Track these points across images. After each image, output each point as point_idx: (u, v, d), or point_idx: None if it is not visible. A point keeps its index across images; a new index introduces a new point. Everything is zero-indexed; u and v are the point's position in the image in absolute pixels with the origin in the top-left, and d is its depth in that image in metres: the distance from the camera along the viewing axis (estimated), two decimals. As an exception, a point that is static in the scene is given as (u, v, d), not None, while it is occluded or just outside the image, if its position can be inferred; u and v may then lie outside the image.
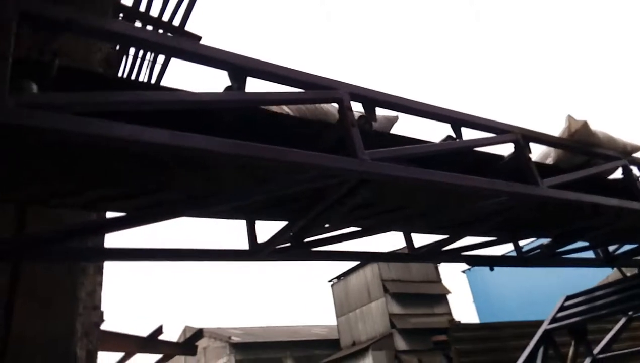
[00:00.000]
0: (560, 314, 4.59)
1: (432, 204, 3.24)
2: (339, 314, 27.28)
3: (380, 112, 2.71)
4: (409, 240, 3.90)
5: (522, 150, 3.21)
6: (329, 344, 26.71)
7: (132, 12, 4.97)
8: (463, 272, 24.53)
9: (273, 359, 24.83)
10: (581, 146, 3.75)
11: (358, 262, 24.00)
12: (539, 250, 4.59)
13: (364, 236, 3.20)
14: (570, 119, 3.86)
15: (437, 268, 26.48)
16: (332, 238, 3.20)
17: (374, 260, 3.50)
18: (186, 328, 27.52)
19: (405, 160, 2.59)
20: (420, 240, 3.95)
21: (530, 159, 3.18)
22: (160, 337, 12.11)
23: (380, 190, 3.07)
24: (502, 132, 3.21)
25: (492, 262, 4.28)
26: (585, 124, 3.79)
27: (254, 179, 2.42)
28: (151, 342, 12.13)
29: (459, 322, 6.32)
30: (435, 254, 3.81)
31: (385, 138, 2.66)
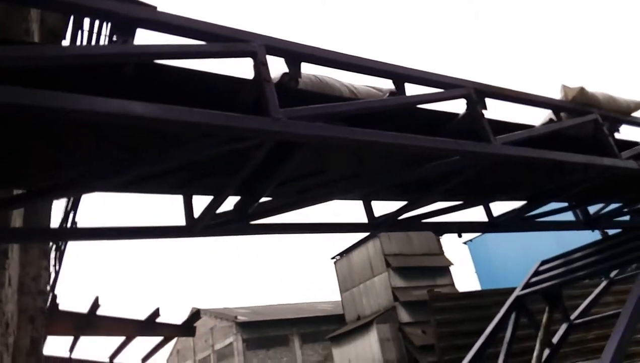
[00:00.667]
0: (534, 279, 4.42)
1: (380, 168, 3.06)
2: (342, 290, 27.40)
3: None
4: (368, 208, 3.74)
5: (474, 105, 3.00)
6: (334, 319, 26.92)
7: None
8: (465, 243, 24.40)
9: (279, 336, 25.11)
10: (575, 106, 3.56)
11: (361, 238, 24.03)
12: (512, 215, 4.41)
13: (307, 205, 3.02)
14: (565, 88, 3.68)
15: (439, 240, 26.41)
16: (277, 210, 3.03)
17: (324, 231, 3.31)
18: (193, 310, 27.85)
19: (337, 119, 2.40)
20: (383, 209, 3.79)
21: (483, 115, 2.97)
22: (160, 320, 12.12)
23: (321, 156, 2.90)
24: (452, 87, 3.00)
25: (459, 228, 4.11)
26: (581, 90, 3.63)
27: (170, 143, 2.24)
28: (149, 325, 12.16)
29: (439, 292, 6.18)
30: (393, 222, 3.63)
31: (314, 96, 2.46)
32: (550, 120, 3.60)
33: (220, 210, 2.78)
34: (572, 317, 4.46)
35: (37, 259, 3.36)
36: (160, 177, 2.54)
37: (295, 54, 2.34)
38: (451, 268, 25.66)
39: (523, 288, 4.37)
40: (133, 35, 1.88)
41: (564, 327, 4.34)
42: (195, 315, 12.09)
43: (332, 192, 3.02)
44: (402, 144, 2.52)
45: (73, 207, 4.68)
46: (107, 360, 11.18)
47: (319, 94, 2.50)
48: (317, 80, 2.67)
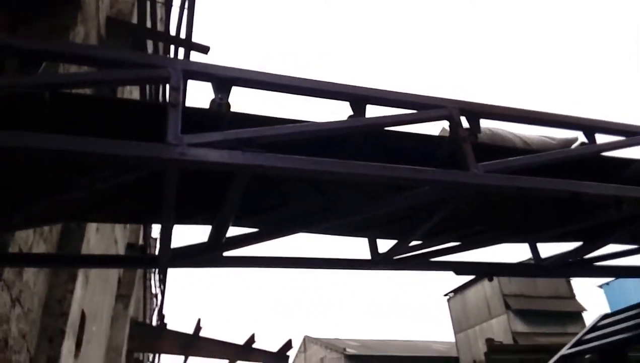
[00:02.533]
0: (589, 336, 3.57)
1: (348, 200, 2.82)
2: (457, 330, 25.65)
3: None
4: (372, 243, 3.46)
5: (455, 128, 2.62)
6: (447, 361, 25.23)
7: (139, 30, 5.27)
8: (600, 286, 21.22)
9: (388, 374, 24.20)
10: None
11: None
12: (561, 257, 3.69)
13: (276, 237, 2.89)
14: None
15: (569, 282, 23.52)
16: (249, 241, 2.96)
17: (316, 266, 3.14)
18: (305, 338, 28.32)
19: (261, 147, 2.28)
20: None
21: (463, 138, 2.57)
22: (257, 346, 12.58)
23: (279, 188, 2.79)
24: (430, 107, 2.66)
25: (485, 271, 3.56)
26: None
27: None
28: (246, 350, 12.71)
29: (500, 342, 5.22)
30: (393, 261, 3.29)
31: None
32: (582, 143, 2.99)
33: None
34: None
35: (64, 283, 3.71)
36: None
37: (221, 78, 2.30)
38: (584, 314, 22.43)
39: (573, 346, 3.56)
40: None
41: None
42: (288, 344, 12.29)
43: (298, 226, 2.85)
44: (352, 173, 2.29)
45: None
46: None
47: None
48: (490, 133, 2.97)
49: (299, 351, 27.81)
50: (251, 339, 11.74)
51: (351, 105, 2.53)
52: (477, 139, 2.73)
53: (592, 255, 4.09)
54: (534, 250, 3.80)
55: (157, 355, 15.01)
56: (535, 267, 3.74)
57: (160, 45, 6.15)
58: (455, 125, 2.62)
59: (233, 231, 2.98)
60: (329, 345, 25.10)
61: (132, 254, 2.84)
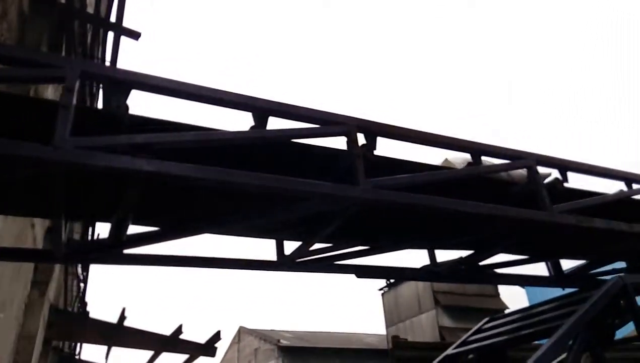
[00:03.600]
0: (473, 337, 3.94)
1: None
2: (388, 324, 26.51)
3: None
4: (279, 246, 3.61)
5: (351, 144, 2.81)
6: (379, 354, 26.04)
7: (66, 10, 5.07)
8: (522, 287, 22.68)
9: (321, 365, 24.65)
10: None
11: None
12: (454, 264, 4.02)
13: (179, 237, 2.98)
14: None
15: (494, 281, 24.78)
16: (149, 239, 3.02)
17: (216, 266, 3.23)
18: (240, 329, 28.29)
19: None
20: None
21: (357, 154, 2.77)
22: (185, 337, 12.35)
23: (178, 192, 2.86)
24: (330, 123, 2.83)
25: (389, 274, 3.81)
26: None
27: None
28: (172, 341, 12.50)
29: (405, 339, 5.63)
30: (295, 263, 3.47)
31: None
32: (469, 163, 3.27)
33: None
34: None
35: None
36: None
37: (118, 81, 2.34)
38: (506, 312, 23.84)
39: (458, 347, 3.90)
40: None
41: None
42: (217, 335, 12.23)
43: (202, 226, 2.95)
44: (247, 183, 2.41)
45: None
46: (141, 372, 11.57)
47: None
48: None
49: (232, 342, 27.76)
50: (178, 330, 11.59)
51: (254, 117, 2.66)
52: (373, 155, 2.94)
53: (486, 262, 4.48)
54: (432, 256, 4.11)
55: (78, 345, 14.48)
56: (431, 272, 4.05)
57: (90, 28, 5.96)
58: (351, 141, 2.81)
59: (138, 229, 3.05)
60: (263, 336, 25.22)
61: (25, 247, 2.81)
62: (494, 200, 3.27)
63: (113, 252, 2.96)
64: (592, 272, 4.61)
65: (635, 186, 3.95)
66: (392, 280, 26.30)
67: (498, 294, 24.62)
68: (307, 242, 3.29)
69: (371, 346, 27.49)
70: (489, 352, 3.81)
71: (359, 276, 3.80)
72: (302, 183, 2.53)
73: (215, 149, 2.54)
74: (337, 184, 2.63)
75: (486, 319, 4.28)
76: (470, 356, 3.99)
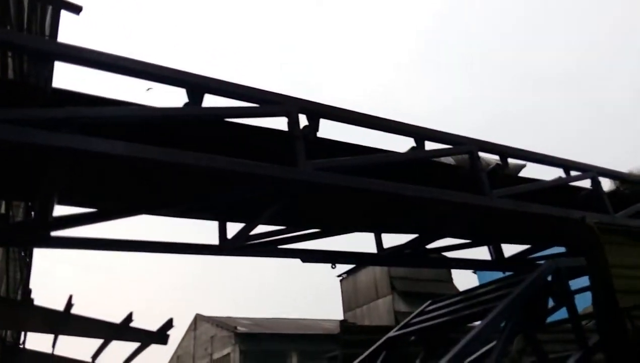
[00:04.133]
0: (415, 320, 4.01)
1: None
2: (346, 310, 26.86)
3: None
4: (222, 229, 3.51)
5: (292, 125, 2.74)
6: (335, 339, 26.25)
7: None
8: (474, 272, 23.48)
9: (278, 351, 24.75)
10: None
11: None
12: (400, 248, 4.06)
13: (110, 219, 2.83)
14: None
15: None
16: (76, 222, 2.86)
17: (155, 250, 3.09)
18: (197, 316, 27.94)
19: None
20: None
21: (298, 136, 2.70)
22: (135, 325, 12.02)
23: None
24: (270, 103, 2.74)
25: (331, 258, 3.79)
26: None
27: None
28: (122, 329, 12.13)
29: (353, 323, 5.70)
30: (238, 247, 3.39)
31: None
32: (412, 148, 3.28)
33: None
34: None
35: None
36: None
37: (38, 51, 2.17)
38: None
39: (400, 329, 3.97)
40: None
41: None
42: (169, 323, 11.97)
43: (138, 208, 2.82)
44: (177, 162, 2.30)
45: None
46: (90, 360, 11.25)
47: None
48: None
49: (189, 329, 27.41)
50: (128, 318, 11.26)
51: (187, 93, 2.53)
52: (315, 137, 2.89)
53: (431, 246, 4.55)
54: (378, 241, 4.12)
55: (23, 334, 13.83)
56: (377, 257, 4.07)
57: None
58: (292, 122, 2.74)
59: (66, 211, 2.88)
60: (219, 323, 25.01)
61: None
62: (438, 184, 3.30)
63: (39, 234, 2.78)
64: (532, 256, 4.76)
65: (572, 173, 4.09)
66: (352, 267, 26.62)
67: (451, 279, 25.36)
68: (249, 225, 3.21)
69: (328, 331, 27.76)
70: (430, 334, 3.88)
71: (304, 260, 3.77)
72: (238, 164, 2.44)
73: (148, 126, 2.42)
74: (276, 166, 2.56)
75: (429, 302, 4.35)
76: (412, 338, 4.05)
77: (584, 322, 3.79)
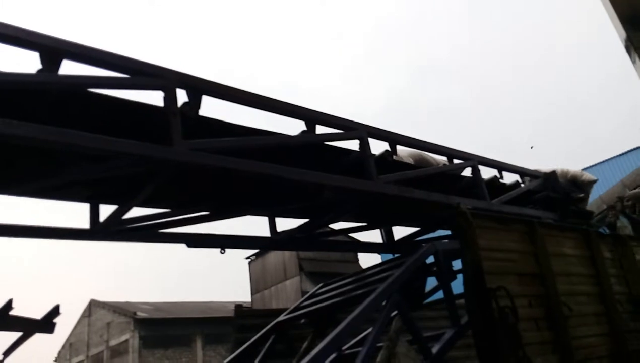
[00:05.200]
0: (305, 302, 4.05)
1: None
2: (254, 291, 26.83)
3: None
4: (94, 212, 3.20)
5: (169, 100, 2.53)
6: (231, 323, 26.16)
7: None
8: (381, 253, 24.56)
9: (181, 336, 24.05)
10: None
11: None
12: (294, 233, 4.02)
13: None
14: None
15: (354, 247, 26.40)
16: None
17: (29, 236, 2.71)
18: (91, 302, 26.25)
19: None
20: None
21: (173, 112, 2.50)
22: (15, 313, 10.95)
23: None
24: (146, 75, 2.51)
25: (222, 244, 3.64)
26: None
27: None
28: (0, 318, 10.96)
29: (249, 307, 5.68)
30: (113, 232, 3.12)
31: None
32: (302, 131, 3.22)
33: None
34: (346, 346, 4.12)
35: None
36: None
37: None
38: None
39: (290, 312, 3.98)
40: None
41: (332, 357, 3.98)
42: (55, 310, 11.05)
43: None
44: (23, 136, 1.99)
45: None
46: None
47: None
48: None
49: (82, 316, 25.69)
50: (7, 305, 10.27)
51: (41, 58, 2.22)
52: (197, 115, 2.70)
53: (325, 230, 4.58)
54: (272, 224, 4.04)
55: None
56: (268, 241, 3.99)
57: None
58: (169, 97, 2.53)
59: None
60: (117, 309, 23.72)
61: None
62: (329, 168, 3.28)
63: None
64: (419, 238, 5.00)
65: (455, 161, 4.31)
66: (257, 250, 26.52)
67: (357, 260, 26.35)
68: (123, 207, 2.95)
69: (232, 314, 27.55)
70: (320, 316, 3.92)
71: (190, 245, 3.58)
72: (104, 141, 2.20)
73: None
74: (147, 144, 2.35)
75: (320, 285, 4.39)
76: (303, 320, 4.06)
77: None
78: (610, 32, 2.88)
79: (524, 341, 2.93)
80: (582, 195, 5.47)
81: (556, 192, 5.19)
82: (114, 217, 3.03)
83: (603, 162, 21.63)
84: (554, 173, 5.31)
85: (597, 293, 3.84)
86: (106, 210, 3.20)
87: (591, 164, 21.61)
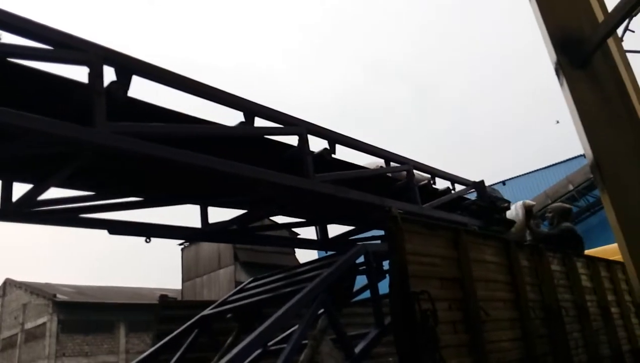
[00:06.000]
0: (233, 297, 3.99)
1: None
2: (185, 279, 26.22)
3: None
4: (6, 190, 2.93)
5: (93, 78, 2.35)
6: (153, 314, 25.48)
7: None
8: (316, 249, 24.77)
9: (103, 321, 23.04)
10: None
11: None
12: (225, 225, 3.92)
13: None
14: None
15: (290, 240, 26.47)
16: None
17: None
18: (7, 281, 24.50)
19: None
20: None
21: (99, 92, 2.33)
22: None
23: None
24: (70, 48, 2.31)
25: (148, 232, 3.48)
26: None
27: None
28: None
29: (174, 298, 5.59)
30: (28, 213, 2.89)
31: None
32: (241, 123, 3.13)
33: None
34: (272, 342, 4.10)
35: None
36: None
37: None
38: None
39: (216, 307, 3.90)
40: None
41: (256, 353, 3.95)
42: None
43: None
44: None
45: None
46: None
47: None
48: None
49: (-5, 296, 23.98)
50: None
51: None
52: (125, 95, 2.54)
53: (260, 224, 4.50)
54: (204, 214, 3.92)
55: None
56: (199, 232, 3.87)
57: None
58: (93, 74, 2.35)
59: None
60: (34, 290, 22.30)
61: None
62: (265, 163, 3.21)
63: None
64: (353, 237, 5.06)
65: (392, 164, 4.39)
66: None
67: (294, 252, 26.42)
68: (38, 188, 2.73)
69: (164, 301, 26.79)
70: (246, 311, 3.86)
71: (112, 232, 3.38)
72: (10, 116, 2.00)
73: None
74: (65, 123, 2.17)
75: (250, 279, 4.32)
76: (229, 315, 3.98)
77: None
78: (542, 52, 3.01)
79: (441, 343, 3.03)
80: (506, 204, 5.78)
81: (483, 200, 5.44)
82: (28, 197, 2.80)
83: (529, 173, 23.04)
84: (482, 182, 5.56)
85: (512, 299, 4.06)
86: (21, 190, 2.97)
87: (517, 174, 22.95)
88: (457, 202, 5.38)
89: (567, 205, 7.65)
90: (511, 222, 5.73)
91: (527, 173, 22.80)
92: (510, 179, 22.60)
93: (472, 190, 5.64)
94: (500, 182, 21.69)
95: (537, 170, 22.32)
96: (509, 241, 4.23)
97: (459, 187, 5.45)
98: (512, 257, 4.12)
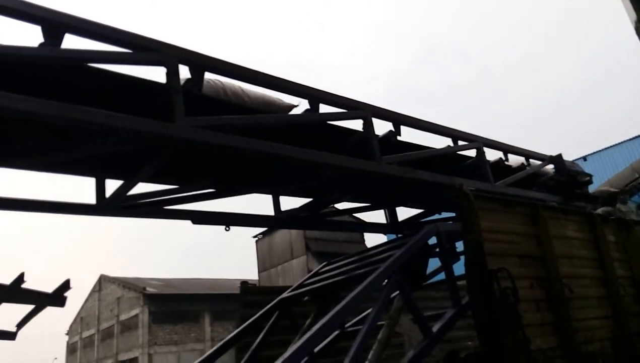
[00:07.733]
0: (309, 281, 4.10)
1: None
2: (261, 269, 27.12)
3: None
4: (99, 187, 3.23)
5: (171, 78, 2.53)
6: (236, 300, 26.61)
7: None
8: (385, 233, 24.63)
9: (190, 311, 24.49)
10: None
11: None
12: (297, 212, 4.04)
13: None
14: None
15: (361, 228, 26.52)
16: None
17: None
18: (101, 277, 26.73)
19: None
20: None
21: (176, 90, 2.50)
22: (27, 286, 11.18)
23: None
24: (146, 50, 2.50)
25: (229, 221, 3.67)
26: None
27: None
28: (13, 291, 11.20)
29: (254, 284, 5.76)
30: (118, 207, 3.17)
31: None
32: (306, 110, 3.20)
33: None
34: (349, 324, 4.17)
35: None
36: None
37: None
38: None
39: (294, 290, 4.03)
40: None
41: (334, 333, 4.04)
42: (66, 284, 11.28)
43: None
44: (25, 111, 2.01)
45: None
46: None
47: None
48: (220, 85, 2.83)
49: (92, 290, 26.24)
50: (20, 279, 10.50)
51: (43, 32, 2.22)
52: (200, 92, 2.70)
53: (329, 209, 4.59)
54: (276, 203, 4.07)
55: None
56: (273, 219, 4.02)
57: None
58: (171, 73, 2.52)
59: None
60: (127, 284, 24.18)
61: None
62: (332, 148, 3.27)
63: None
64: (423, 219, 5.00)
65: (460, 143, 4.28)
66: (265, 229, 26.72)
67: (363, 240, 26.45)
68: (128, 183, 2.99)
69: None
70: (322, 293, 3.96)
71: (195, 222, 3.62)
72: (101, 116, 2.21)
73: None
74: (148, 120, 2.35)
75: (324, 263, 4.43)
76: (306, 298, 4.11)
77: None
78: (620, 13, 2.80)
79: (524, 322, 2.94)
80: (588, 178, 5.42)
81: (561, 175, 5.14)
82: (120, 192, 3.07)
83: (612, 146, 21.30)
84: (560, 156, 5.25)
85: (600, 276, 3.84)
86: (113, 186, 3.26)
87: (600, 148, 21.30)
88: (532, 179, 5.14)
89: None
90: (593, 197, 5.38)
91: (610, 146, 21.09)
92: (591, 153, 21.04)
93: (549, 165, 5.35)
94: (580, 158, 20.26)
95: (622, 142, 20.57)
96: (593, 215, 3.99)
97: (534, 163, 5.20)
98: (597, 232, 3.89)
